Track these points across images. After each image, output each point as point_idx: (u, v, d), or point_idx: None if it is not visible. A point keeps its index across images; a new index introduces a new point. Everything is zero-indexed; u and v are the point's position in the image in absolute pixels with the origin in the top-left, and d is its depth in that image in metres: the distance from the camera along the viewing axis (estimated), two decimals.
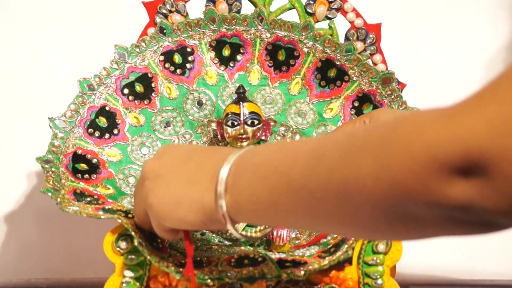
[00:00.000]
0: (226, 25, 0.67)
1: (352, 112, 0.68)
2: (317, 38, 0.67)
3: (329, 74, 0.68)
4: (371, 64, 0.68)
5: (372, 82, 0.66)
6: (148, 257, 0.51)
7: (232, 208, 0.44)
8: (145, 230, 0.53)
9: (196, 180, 0.46)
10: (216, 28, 0.67)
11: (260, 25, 0.67)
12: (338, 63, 0.67)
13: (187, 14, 0.67)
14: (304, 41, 0.67)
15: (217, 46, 0.68)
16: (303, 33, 0.67)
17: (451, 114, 0.32)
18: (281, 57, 0.69)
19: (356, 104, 0.68)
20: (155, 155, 0.50)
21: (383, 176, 0.34)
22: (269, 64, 0.69)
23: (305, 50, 0.68)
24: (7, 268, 0.87)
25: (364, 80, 0.67)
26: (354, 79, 0.67)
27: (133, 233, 0.51)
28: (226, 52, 0.69)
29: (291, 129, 0.69)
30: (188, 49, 0.68)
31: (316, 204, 0.39)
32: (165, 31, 0.67)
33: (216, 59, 0.69)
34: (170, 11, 0.67)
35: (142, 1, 0.67)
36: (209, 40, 0.68)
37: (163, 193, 0.47)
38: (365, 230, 0.38)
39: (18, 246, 0.87)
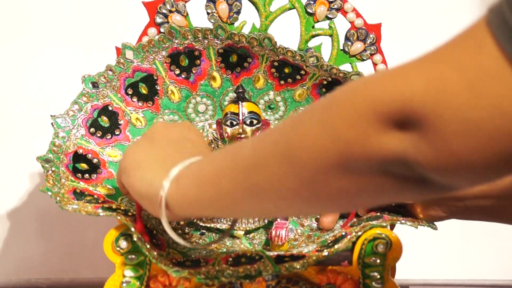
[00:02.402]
0: (234, 40, 0.67)
1: None
2: (324, 68, 0.66)
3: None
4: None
5: None
6: (147, 253, 0.51)
7: (173, 193, 0.45)
8: (144, 228, 0.54)
9: (165, 161, 0.48)
10: (224, 39, 0.67)
11: (268, 48, 0.66)
12: (343, 81, 0.67)
13: (187, 14, 0.67)
14: (311, 67, 0.67)
15: (225, 53, 0.67)
16: (310, 63, 0.66)
17: (394, 72, 0.33)
18: (288, 71, 0.68)
19: None
20: (173, 123, 0.52)
21: (324, 131, 0.35)
22: (275, 75, 0.69)
23: (312, 72, 0.67)
24: (7, 268, 0.87)
25: None
26: None
27: (132, 229, 0.52)
28: (233, 59, 0.68)
29: None
30: (196, 53, 0.67)
31: (260, 177, 0.39)
32: (173, 34, 0.66)
33: (223, 64, 0.68)
34: (170, 11, 0.67)
35: (142, 1, 0.66)
36: (217, 47, 0.67)
37: (138, 151, 0.50)
38: (308, 198, 0.38)
39: (18, 246, 0.87)
